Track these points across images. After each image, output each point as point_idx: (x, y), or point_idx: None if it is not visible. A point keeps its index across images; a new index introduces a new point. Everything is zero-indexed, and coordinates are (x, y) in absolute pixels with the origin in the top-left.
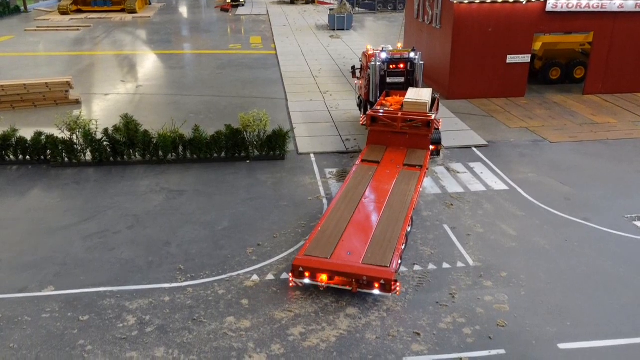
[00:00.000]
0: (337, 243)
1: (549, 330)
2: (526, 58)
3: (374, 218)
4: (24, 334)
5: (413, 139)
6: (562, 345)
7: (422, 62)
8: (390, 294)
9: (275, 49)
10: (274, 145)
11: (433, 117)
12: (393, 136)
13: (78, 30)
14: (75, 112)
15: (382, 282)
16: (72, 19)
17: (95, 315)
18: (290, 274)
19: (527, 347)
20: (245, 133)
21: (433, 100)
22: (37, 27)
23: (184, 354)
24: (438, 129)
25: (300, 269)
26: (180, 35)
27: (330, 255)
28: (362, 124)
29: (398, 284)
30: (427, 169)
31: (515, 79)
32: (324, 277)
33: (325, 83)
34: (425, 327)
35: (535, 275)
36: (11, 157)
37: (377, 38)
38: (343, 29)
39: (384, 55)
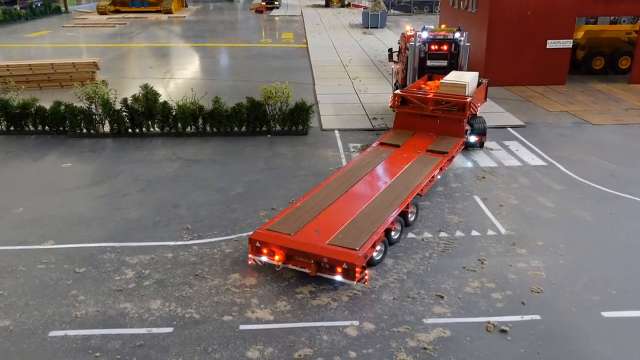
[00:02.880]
0: (311, 221)
1: (592, 298)
2: (567, 43)
3: (366, 199)
4: (15, 283)
5: (445, 124)
6: (606, 314)
7: (468, 44)
8: (355, 283)
9: (307, 43)
10: (297, 120)
11: (469, 99)
12: (423, 120)
13: (114, 27)
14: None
15: (344, 266)
16: (109, 18)
17: (92, 267)
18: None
19: (566, 314)
20: (267, 106)
21: (478, 85)
22: (75, 24)
23: (181, 307)
24: (476, 114)
25: (257, 244)
26: (213, 31)
27: (295, 232)
28: (391, 107)
29: (366, 271)
30: (453, 157)
31: (556, 66)
32: (278, 255)
33: (356, 71)
34: (450, 290)
35: (575, 245)
36: (30, 127)
37: None
38: (377, 27)
39: (425, 35)
